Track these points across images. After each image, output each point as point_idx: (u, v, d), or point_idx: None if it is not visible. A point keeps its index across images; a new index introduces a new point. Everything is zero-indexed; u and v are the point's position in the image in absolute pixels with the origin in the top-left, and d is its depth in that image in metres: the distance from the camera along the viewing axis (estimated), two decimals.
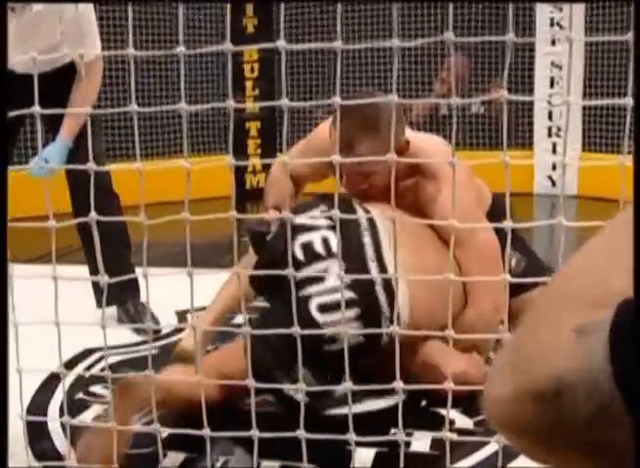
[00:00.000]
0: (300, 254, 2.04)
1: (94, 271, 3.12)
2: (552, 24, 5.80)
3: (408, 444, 1.93)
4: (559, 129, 6.06)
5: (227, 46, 1.44)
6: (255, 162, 6.52)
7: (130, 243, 3.15)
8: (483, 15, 6.03)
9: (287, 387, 1.69)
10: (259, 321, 2.07)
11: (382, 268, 2.06)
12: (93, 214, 1.66)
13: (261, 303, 2.46)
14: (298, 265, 2.01)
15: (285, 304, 1.87)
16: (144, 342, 2.78)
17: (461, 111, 6.22)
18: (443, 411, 2.08)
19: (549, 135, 6.07)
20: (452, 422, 2.05)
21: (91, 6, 2.93)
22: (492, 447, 1.91)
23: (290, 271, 1.52)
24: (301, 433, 1.41)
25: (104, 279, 1.66)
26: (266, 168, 6.66)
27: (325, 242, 2.06)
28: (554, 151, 6.07)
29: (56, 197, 2.55)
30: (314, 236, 2.06)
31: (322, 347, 1.90)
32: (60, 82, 2.90)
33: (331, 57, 6.35)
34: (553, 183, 6.11)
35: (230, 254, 2.52)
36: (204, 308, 3.14)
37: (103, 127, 3.34)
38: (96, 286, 3.06)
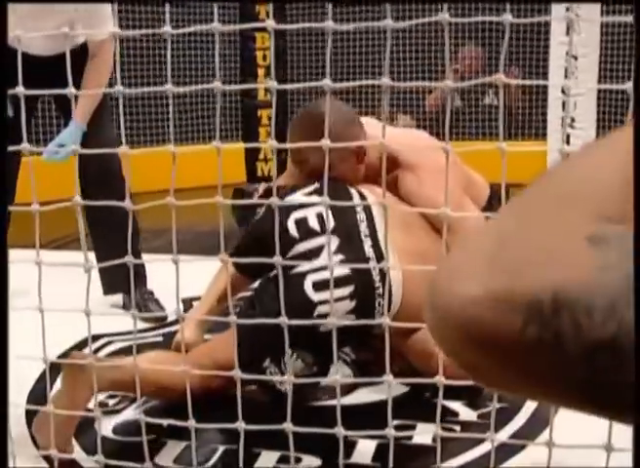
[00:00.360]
0: (293, 230, 2.03)
1: (101, 257, 3.11)
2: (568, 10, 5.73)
3: (410, 436, 1.92)
4: (572, 119, 6.00)
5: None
6: (266, 149, 6.51)
7: (138, 229, 3.13)
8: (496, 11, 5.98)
9: (276, 379, 1.67)
10: (251, 303, 2.04)
11: (376, 245, 2.05)
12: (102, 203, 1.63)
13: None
14: (292, 241, 2.01)
15: (277, 283, 1.86)
16: (151, 329, 2.78)
17: (475, 102, 6.17)
18: (447, 403, 2.06)
19: (562, 125, 6.01)
20: (456, 414, 2.03)
21: None
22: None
23: (277, 259, 1.46)
24: (289, 426, 1.39)
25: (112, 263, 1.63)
26: (278, 155, 6.63)
27: (320, 218, 2.04)
28: (568, 142, 6.01)
29: (63, 182, 2.57)
30: (309, 212, 2.05)
31: (318, 327, 1.88)
32: (72, 64, 2.86)
33: (344, 44, 6.31)
34: None
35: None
36: None
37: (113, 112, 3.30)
38: (102, 272, 3.04)
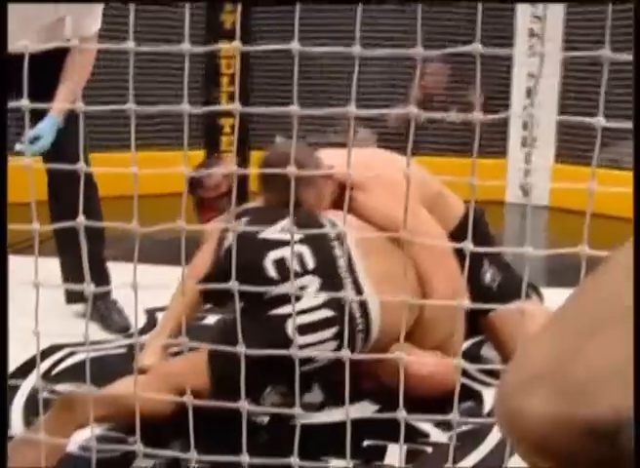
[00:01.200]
0: (272, 272, 1.99)
1: (65, 265, 3.06)
2: (532, 35, 5.82)
3: (382, 456, 1.90)
4: (534, 139, 6.07)
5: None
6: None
7: (104, 237, 3.09)
8: (461, 22, 6.03)
9: (253, 409, 1.62)
10: (226, 335, 2.02)
11: (355, 280, 2.03)
12: (79, 212, 1.59)
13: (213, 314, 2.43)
14: (270, 283, 1.96)
15: (254, 321, 1.84)
16: (115, 340, 2.73)
17: (439, 119, 6.21)
18: (418, 424, 2.05)
19: (524, 144, 6.09)
20: (426, 435, 2.03)
21: None
22: (468, 462, 1.90)
23: (233, 285, 1.41)
24: (245, 459, 1.35)
25: (87, 288, 1.59)
26: (240, 164, 6.60)
27: (299, 257, 2.00)
28: (527, 161, 6.09)
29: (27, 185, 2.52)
30: (286, 251, 2.00)
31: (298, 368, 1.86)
32: (52, 66, 2.83)
33: (306, 55, 6.31)
34: (525, 193, 6.13)
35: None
36: None
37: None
38: (66, 280, 2.99)
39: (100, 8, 2.89)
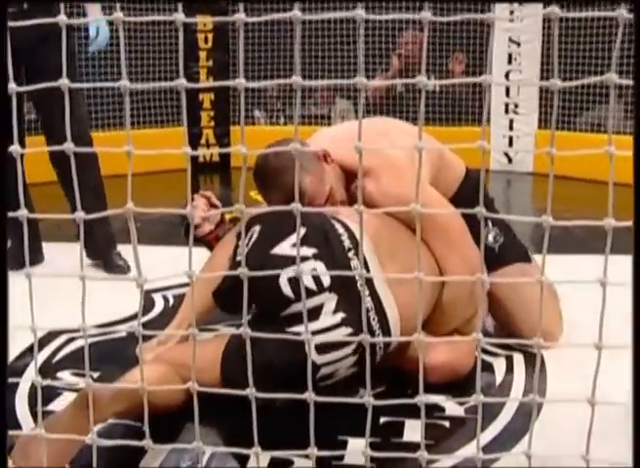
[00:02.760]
0: (287, 291, 1.92)
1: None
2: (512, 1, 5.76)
3: (400, 433, 1.88)
4: (516, 105, 6.05)
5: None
6: (208, 134, 6.40)
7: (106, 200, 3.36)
8: None
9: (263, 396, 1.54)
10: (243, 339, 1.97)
11: (372, 292, 1.97)
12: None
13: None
14: (286, 302, 1.91)
15: (271, 334, 1.81)
16: (113, 323, 2.69)
17: (417, 87, 6.16)
18: (433, 398, 2.03)
19: (506, 111, 6.06)
20: (442, 410, 2.01)
21: None
22: (487, 435, 1.88)
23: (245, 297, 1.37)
24: (257, 450, 1.31)
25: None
26: (219, 140, 6.58)
27: (313, 274, 1.93)
28: (511, 128, 6.07)
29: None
30: (302, 268, 1.93)
31: (317, 384, 1.83)
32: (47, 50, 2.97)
33: (287, 28, 6.23)
34: (510, 160, 6.11)
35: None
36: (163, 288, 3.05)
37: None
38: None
39: None
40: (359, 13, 1.17)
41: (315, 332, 1.88)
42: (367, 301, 1.91)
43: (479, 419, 1.28)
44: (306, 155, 2.27)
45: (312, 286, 1.91)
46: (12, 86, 1.20)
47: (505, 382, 2.21)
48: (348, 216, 2.09)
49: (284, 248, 1.95)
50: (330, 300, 1.92)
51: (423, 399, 1.23)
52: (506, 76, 5.92)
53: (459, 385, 2.06)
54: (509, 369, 2.30)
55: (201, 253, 2.39)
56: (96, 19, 3.16)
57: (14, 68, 1.19)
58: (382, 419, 1.93)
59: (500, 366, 2.31)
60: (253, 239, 2.01)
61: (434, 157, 2.45)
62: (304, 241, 1.94)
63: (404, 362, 2.11)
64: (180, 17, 1.22)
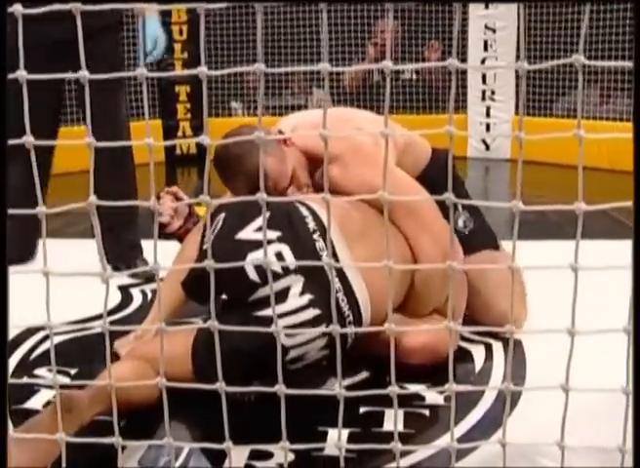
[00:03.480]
0: (253, 275, 1.90)
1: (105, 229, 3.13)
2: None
3: (380, 422, 1.88)
4: (493, 92, 6.05)
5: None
6: (185, 126, 6.37)
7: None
8: None
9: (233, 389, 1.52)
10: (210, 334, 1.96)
11: (340, 273, 1.96)
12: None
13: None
14: (253, 286, 1.90)
15: (239, 320, 1.80)
16: (91, 319, 2.67)
17: (394, 76, 6.16)
18: (411, 387, 2.03)
19: (483, 98, 6.07)
20: (422, 398, 2.00)
21: None
22: (466, 423, 1.88)
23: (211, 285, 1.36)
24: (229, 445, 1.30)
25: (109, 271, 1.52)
26: (196, 132, 6.54)
27: (279, 256, 1.92)
28: (488, 115, 6.08)
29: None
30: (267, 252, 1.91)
31: (286, 367, 1.81)
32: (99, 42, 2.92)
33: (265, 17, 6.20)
34: (487, 147, 6.12)
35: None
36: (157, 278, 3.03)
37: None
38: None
39: None
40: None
41: (283, 315, 1.87)
42: (335, 282, 1.90)
43: (452, 409, 1.28)
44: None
45: (278, 269, 1.91)
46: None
47: (485, 369, 2.21)
48: (314, 200, 2.09)
49: (248, 232, 1.95)
50: (296, 282, 1.91)
51: (396, 389, 1.22)
52: (482, 63, 5.92)
53: (438, 373, 2.05)
54: (489, 356, 2.30)
55: (176, 247, 2.38)
56: (150, 21, 3.01)
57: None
58: (362, 409, 1.93)
59: (479, 353, 2.31)
60: (218, 227, 2.01)
61: (399, 141, 2.46)
62: (268, 224, 1.94)
63: (381, 346, 2.10)
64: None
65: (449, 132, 1.11)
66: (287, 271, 1.91)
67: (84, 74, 1.11)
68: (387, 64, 1.07)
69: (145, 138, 1.13)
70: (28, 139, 1.12)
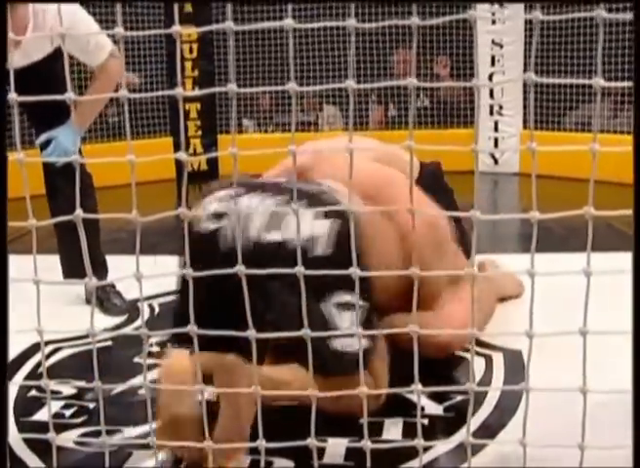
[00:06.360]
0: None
1: (63, 250, 3.06)
2: (492, 2, 5.81)
3: (379, 431, 1.90)
4: (501, 107, 6.09)
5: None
6: (195, 144, 6.43)
7: (99, 227, 3.08)
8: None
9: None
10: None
11: None
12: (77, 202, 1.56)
13: None
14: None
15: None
16: (100, 332, 2.70)
17: (407, 106, 6.21)
18: (411, 397, 2.06)
19: (491, 113, 6.10)
20: (422, 408, 2.03)
21: (81, 12, 2.81)
22: (463, 431, 1.90)
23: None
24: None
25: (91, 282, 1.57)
26: (207, 150, 6.60)
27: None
28: (496, 129, 6.11)
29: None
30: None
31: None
32: (45, 71, 2.86)
33: (274, 36, 6.27)
34: (495, 161, 6.15)
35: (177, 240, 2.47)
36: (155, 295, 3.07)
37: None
38: (65, 266, 3.05)
39: (96, 32, 2.96)
40: (351, 22, 1.21)
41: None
42: None
43: (471, 403, 1.30)
44: None
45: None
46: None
47: (485, 381, 2.24)
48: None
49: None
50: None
51: (419, 387, 1.25)
52: (490, 78, 5.96)
53: (435, 383, 2.08)
54: (489, 368, 2.32)
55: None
56: (75, 130, 2.82)
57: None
58: (362, 419, 1.95)
59: (479, 364, 2.34)
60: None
61: (382, 158, 2.50)
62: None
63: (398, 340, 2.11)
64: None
65: (474, 150, 1.16)
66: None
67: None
68: (412, 81, 1.12)
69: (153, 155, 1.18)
70: None
